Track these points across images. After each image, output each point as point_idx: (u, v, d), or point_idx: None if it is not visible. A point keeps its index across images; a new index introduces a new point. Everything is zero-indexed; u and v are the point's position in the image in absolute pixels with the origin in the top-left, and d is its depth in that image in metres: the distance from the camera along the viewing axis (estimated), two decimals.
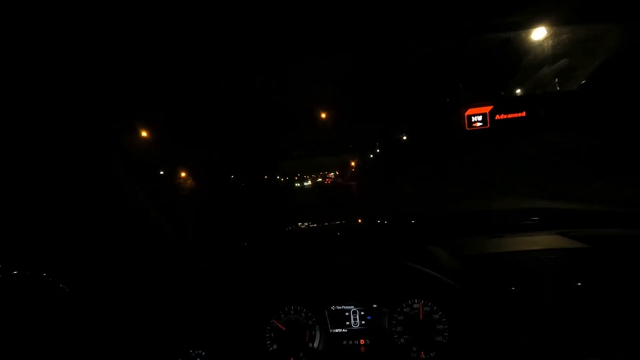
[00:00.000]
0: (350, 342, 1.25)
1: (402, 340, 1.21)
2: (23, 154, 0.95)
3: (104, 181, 1.07)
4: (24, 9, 0.70)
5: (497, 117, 0.80)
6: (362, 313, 1.27)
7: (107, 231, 1.16)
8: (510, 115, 0.80)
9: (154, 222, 1.22)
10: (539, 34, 1.27)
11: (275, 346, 1.24)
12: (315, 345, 1.25)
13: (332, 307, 1.28)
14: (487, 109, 0.80)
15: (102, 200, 1.09)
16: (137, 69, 0.98)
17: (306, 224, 1.97)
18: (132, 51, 0.90)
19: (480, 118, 0.81)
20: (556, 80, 1.30)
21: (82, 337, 1.08)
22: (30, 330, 1.02)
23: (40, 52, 0.80)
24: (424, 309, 1.23)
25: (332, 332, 1.26)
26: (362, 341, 1.24)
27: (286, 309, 1.28)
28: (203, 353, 1.22)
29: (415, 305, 1.24)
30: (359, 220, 2.32)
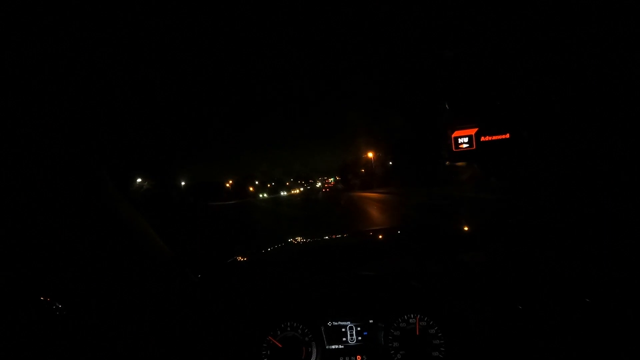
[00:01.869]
0: (347, 359, 1.25)
1: (398, 356, 1.22)
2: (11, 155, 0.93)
3: (90, 190, 1.06)
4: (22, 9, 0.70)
5: (483, 138, 0.85)
6: (359, 329, 1.27)
7: (96, 244, 1.14)
8: (495, 137, 0.85)
9: (143, 234, 1.21)
10: (523, 54, 1.34)
11: None
12: None
13: (329, 323, 1.28)
14: (472, 131, 0.85)
15: (90, 210, 1.08)
16: None
17: (301, 238, 1.98)
18: None
19: (466, 140, 0.86)
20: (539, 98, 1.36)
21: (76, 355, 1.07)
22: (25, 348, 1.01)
23: None
24: (420, 323, 1.24)
25: (329, 348, 1.26)
26: (358, 357, 1.24)
27: (282, 325, 1.28)
28: None
29: (411, 320, 1.25)
30: (354, 234, 2.34)
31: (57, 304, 1.10)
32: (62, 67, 0.82)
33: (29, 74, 0.80)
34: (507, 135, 0.84)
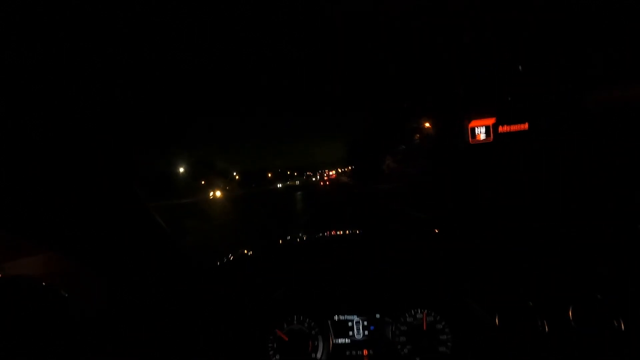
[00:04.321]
0: (354, 353, 1.24)
1: (405, 351, 1.21)
2: (21, 151, 0.90)
3: (99, 179, 1.03)
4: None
5: (501, 128, 0.81)
6: (365, 323, 1.26)
7: (107, 234, 1.12)
8: (514, 127, 0.80)
9: (154, 225, 1.18)
10: (541, 43, 1.29)
11: (278, 356, 1.24)
12: (318, 355, 1.24)
13: (335, 317, 1.27)
14: (490, 121, 0.80)
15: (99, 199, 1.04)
16: None
17: (308, 234, 1.96)
18: None
19: (483, 130, 0.81)
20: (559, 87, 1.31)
21: (79, 345, 1.06)
22: (27, 336, 1.00)
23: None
24: (428, 318, 1.22)
25: (336, 342, 1.25)
26: (365, 352, 1.24)
27: (289, 319, 1.27)
28: None
29: (418, 315, 1.23)
30: (361, 230, 2.31)
31: (64, 293, 1.09)
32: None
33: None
34: (526, 126, 0.80)
